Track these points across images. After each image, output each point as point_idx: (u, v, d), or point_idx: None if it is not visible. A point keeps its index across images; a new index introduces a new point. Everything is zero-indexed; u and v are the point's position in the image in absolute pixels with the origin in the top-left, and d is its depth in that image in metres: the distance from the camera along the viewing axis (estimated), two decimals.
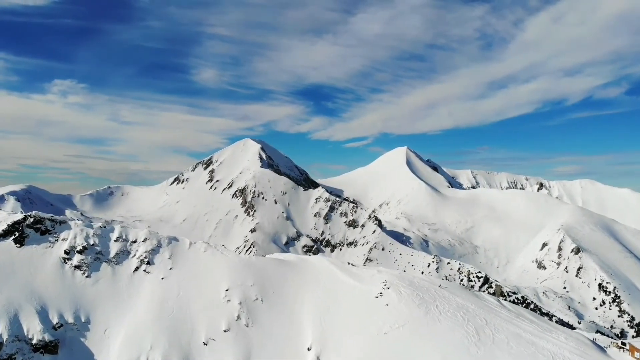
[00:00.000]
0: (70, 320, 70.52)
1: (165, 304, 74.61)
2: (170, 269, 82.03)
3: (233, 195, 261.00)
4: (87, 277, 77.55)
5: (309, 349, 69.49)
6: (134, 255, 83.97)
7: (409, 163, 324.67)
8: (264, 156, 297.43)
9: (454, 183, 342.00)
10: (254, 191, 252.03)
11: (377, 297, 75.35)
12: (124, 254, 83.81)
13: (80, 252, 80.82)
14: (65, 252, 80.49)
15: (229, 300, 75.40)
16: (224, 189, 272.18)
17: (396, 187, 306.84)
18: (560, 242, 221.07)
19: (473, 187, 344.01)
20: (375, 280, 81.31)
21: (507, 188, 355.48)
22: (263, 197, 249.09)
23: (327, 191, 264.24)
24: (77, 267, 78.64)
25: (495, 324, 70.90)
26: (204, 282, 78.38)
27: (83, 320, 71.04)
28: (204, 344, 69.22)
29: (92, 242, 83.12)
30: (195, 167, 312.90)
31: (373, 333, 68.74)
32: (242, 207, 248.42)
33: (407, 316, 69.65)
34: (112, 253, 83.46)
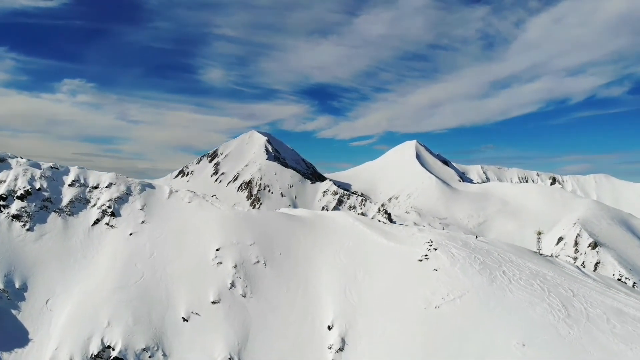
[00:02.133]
0: None
1: (133, 267, 52.25)
2: (142, 222, 59.49)
3: (239, 188, 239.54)
4: (28, 230, 54.98)
5: (329, 328, 47.48)
6: (94, 204, 61.39)
7: (418, 157, 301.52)
8: (270, 149, 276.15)
9: (464, 178, 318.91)
10: (260, 184, 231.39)
11: (421, 260, 53.49)
12: (80, 203, 60.99)
13: (21, 197, 58.09)
14: (1, 198, 57.78)
15: (220, 263, 53.27)
16: (229, 182, 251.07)
17: (406, 181, 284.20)
18: (576, 237, 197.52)
19: (483, 183, 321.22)
20: (416, 240, 59.66)
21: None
22: (269, 190, 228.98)
23: (334, 184, 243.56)
24: (16, 217, 56.11)
25: (586, 295, 48.57)
26: (188, 240, 56.15)
27: (17, 286, 48.55)
28: (184, 319, 46.85)
29: (38, 186, 60.16)
30: (200, 160, 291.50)
31: (419, 307, 46.40)
32: (248, 199, 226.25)
33: (465, 285, 47.47)
34: (65, 201, 60.56)
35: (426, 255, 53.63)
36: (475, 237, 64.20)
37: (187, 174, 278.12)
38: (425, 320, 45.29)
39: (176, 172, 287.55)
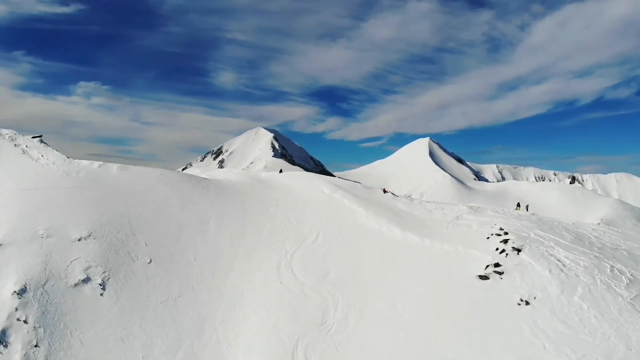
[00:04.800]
0: None
1: None
2: None
3: None
4: None
5: None
6: None
7: (432, 154, 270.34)
8: (276, 145, 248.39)
9: (479, 177, 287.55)
10: None
11: (485, 276, 23.32)
12: None
13: None
14: None
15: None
16: None
17: (419, 179, 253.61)
18: None
19: (498, 182, 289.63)
20: (467, 231, 31.31)
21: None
22: None
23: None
24: None
25: None
26: None
27: None
28: None
29: None
30: (205, 156, 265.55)
31: None
32: None
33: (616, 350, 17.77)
34: None
35: (498, 266, 24.22)
36: (572, 223, 34.31)
37: None
38: None
39: (180, 170, 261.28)
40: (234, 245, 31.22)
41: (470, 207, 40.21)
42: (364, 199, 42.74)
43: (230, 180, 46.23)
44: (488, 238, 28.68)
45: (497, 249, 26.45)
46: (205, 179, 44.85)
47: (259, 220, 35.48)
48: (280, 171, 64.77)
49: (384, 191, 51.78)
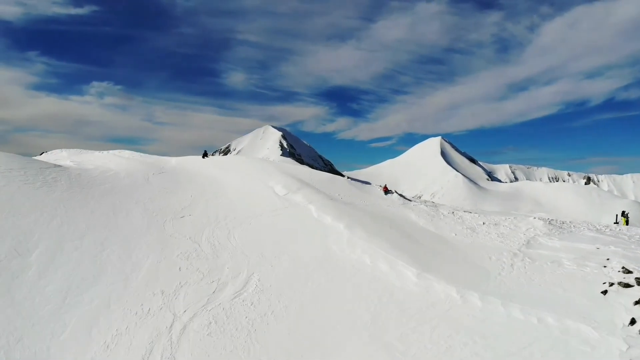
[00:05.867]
0: None
1: None
2: None
3: None
4: None
5: None
6: None
7: (443, 154, 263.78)
8: (285, 144, 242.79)
9: (492, 177, 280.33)
10: None
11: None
12: None
13: None
14: None
15: None
16: None
17: (430, 179, 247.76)
18: None
19: (511, 182, 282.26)
20: (557, 280, 16.83)
21: None
22: None
23: (352, 181, 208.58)
24: None
25: None
26: None
27: None
28: None
29: None
30: (213, 155, 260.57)
31: None
32: None
33: None
34: None
35: None
36: None
37: None
38: None
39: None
40: (66, 308, 15.38)
41: (548, 221, 26.04)
42: (349, 206, 27.09)
43: (108, 170, 30.29)
44: (605, 293, 15.37)
45: (632, 321, 13.27)
46: (57, 166, 28.23)
47: (137, 246, 19.89)
48: (205, 155, 46.87)
49: (386, 190, 35.49)
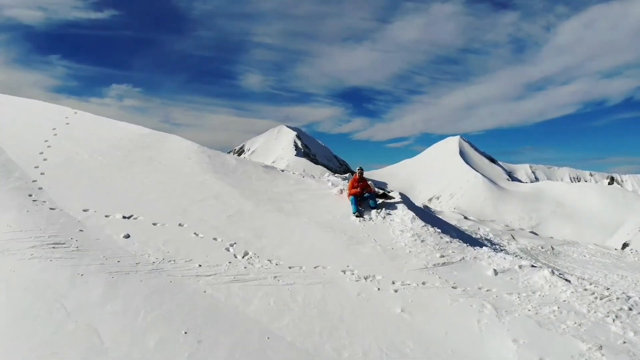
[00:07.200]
0: None
1: None
2: None
3: None
4: None
5: None
6: None
7: (462, 153, 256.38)
8: (299, 144, 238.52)
9: (512, 177, 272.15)
10: None
11: None
12: None
13: None
14: None
15: None
16: None
17: (448, 180, 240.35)
18: None
19: (532, 182, 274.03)
20: None
21: None
22: None
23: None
24: None
25: None
26: None
27: None
28: None
29: None
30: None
31: None
32: None
33: None
34: None
35: None
36: None
37: None
38: None
39: None
40: None
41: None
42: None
43: None
44: None
45: None
46: None
47: None
48: None
49: (359, 192, 14.94)
